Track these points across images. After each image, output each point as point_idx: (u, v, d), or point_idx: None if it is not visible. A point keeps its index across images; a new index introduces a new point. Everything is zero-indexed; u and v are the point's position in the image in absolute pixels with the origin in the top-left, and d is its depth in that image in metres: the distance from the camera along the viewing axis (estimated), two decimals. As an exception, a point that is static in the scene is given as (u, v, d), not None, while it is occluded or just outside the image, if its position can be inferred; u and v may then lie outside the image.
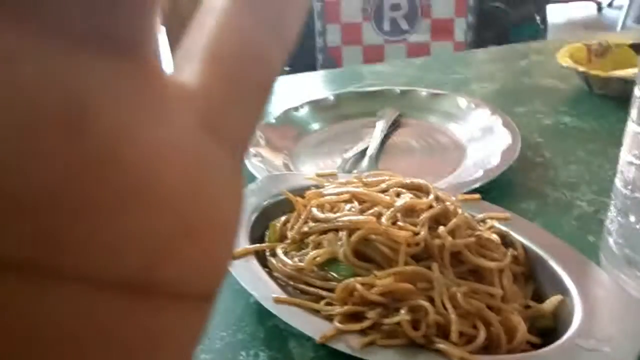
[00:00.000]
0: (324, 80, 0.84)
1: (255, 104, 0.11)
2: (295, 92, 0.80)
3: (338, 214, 0.35)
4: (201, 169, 0.09)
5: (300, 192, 0.42)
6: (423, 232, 0.32)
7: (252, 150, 0.56)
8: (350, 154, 0.57)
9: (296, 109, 0.65)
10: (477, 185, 0.46)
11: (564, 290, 0.33)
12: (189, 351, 0.10)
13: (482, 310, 0.30)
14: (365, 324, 0.29)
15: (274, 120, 0.62)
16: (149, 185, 0.08)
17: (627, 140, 0.32)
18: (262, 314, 0.37)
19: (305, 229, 0.36)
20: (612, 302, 0.30)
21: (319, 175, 0.45)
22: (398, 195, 0.38)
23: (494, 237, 0.36)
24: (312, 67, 1.49)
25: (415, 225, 0.33)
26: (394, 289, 0.30)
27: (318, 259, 0.33)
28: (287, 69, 1.75)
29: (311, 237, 0.36)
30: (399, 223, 0.33)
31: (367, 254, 0.33)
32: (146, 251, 0.08)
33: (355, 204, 0.37)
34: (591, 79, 0.66)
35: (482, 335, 0.29)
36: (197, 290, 0.10)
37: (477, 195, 0.41)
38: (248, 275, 0.35)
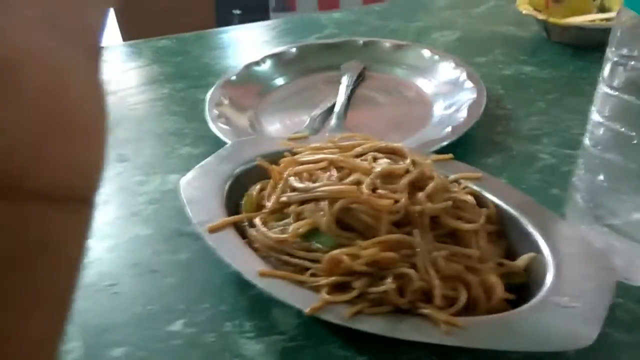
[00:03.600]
0: (281, 29, 0.80)
1: (98, 2, 0.11)
2: (253, 43, 0.77)
3: (318, 184, 0.35)
4: (55, 69, 0.09)
5: (273, 157, 0.41)
6: (403, 200, 0.32)
7: (215, 111, 0.54)
8: (317, 111, 0.56)
9: (257, 63, 0.63)
10: (446, 142, 0.46)
11: (535, 247, 0.34)
12: (75, 257, 0.10)
13: (462, 272, 0.31)
14: (353, 294, 0.30)
15: (235, 78, 0.60)
16: (7, 84, 0.08)
17: (597, 100, 0.33)
18: (243, 284, 0.37)
19: (284, 198, 0.36)
20: (581, 258, 0.32)
21: (290, 139, 0.44)
22: (375, 160, 0.38)
23: (469, 198, 0.36)
24: (264, 11, 1.43)
25: (394, 191, 0.34)
26: (379, 259, 0.30)
27: (300, 230, 0.33)
28: (238, 12, 1.67)
29: (291, 207, 0.35)
30: (379, 190, 0.33)
31: (348, 223, 0.33)
32: (15, 155, 0.09)
33: (334, 171, 0.36)
34: (550, 26, 0.67)
35: (463, 297, 0.30)
36: (74, 193, 0.10)
37: (450, 155, 0.41)
38: (228, 247, 0.35)
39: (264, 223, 0.36)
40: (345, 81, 0.60)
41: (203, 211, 0.37)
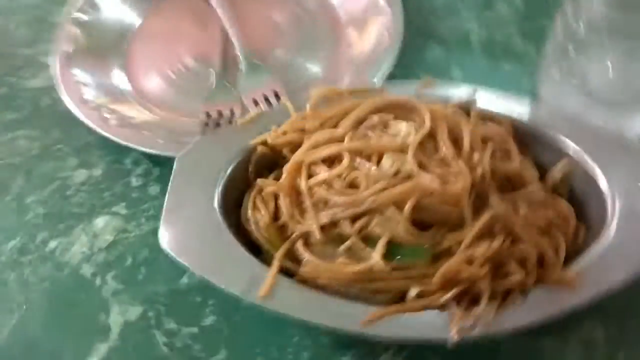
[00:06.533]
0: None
1: None
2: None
3: (367, 192, 0.28)
4: None
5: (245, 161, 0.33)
6: (480, 169, 0.29)
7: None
8: (214, 59, 0.44)
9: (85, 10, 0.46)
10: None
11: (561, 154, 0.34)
12: None
13: (550, 217, 0.30)
14: (484, 298, 0.27)
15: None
16: None
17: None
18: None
19: (324, 219, 0.29)
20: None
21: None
22: (386, 126, 0.32)
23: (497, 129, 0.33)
24: None
25: (445, 163, 0.30)
26: (492, 253, 0.27)
27: (382, 251, 0.28)
28: None
29: (343, 226, 0.29)
30: (433, 169, 0.29)
31: (423, 219, 0.29)
32: None
33: (356, 159, 0.30)
34: None
35: (562, 247, 0.30)
36: None
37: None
38: (299, 306, 0.28)
39: (322, 256, 0.29)
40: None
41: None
